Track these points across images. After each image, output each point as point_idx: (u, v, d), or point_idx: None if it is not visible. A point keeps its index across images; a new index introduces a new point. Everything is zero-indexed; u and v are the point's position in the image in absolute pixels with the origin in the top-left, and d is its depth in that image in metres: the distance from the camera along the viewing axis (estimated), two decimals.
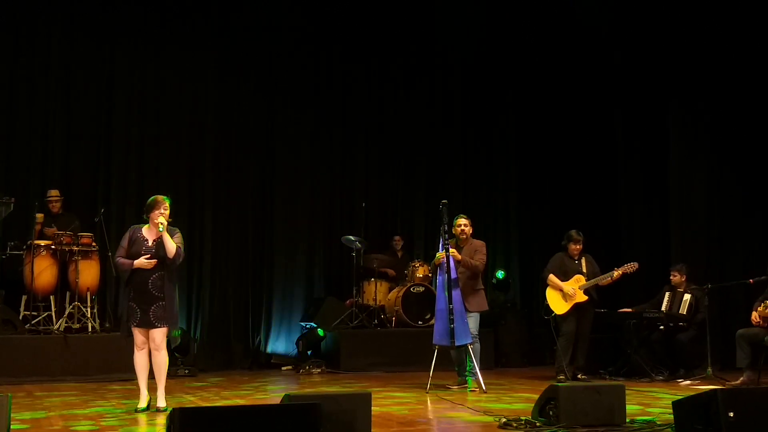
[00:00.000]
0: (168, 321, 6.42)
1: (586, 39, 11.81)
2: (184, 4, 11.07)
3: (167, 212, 6.44)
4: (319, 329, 10.62)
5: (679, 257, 10.17)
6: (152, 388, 6.52)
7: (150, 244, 6.43)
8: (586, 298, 8.78)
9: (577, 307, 8.78)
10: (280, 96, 11.49)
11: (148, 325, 6.38)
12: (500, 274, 11.86)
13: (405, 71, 12.08)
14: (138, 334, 6.42)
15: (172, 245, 6.36)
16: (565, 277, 8.86)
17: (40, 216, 9.43)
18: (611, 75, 11.71)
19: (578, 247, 8.96)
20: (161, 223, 6.33)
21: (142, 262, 6.35)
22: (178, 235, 6.52)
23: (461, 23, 12.11)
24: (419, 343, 9.46)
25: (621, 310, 9.55)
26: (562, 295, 8.81)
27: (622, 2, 11.35)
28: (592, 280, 8.84)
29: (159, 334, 6.40)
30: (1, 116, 10.31)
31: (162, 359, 6.46)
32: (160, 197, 6.50)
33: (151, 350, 6.43)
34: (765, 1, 10.06)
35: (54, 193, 9.73)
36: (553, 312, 8.85)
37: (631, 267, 8.85)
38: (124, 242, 6.50)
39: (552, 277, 8.87)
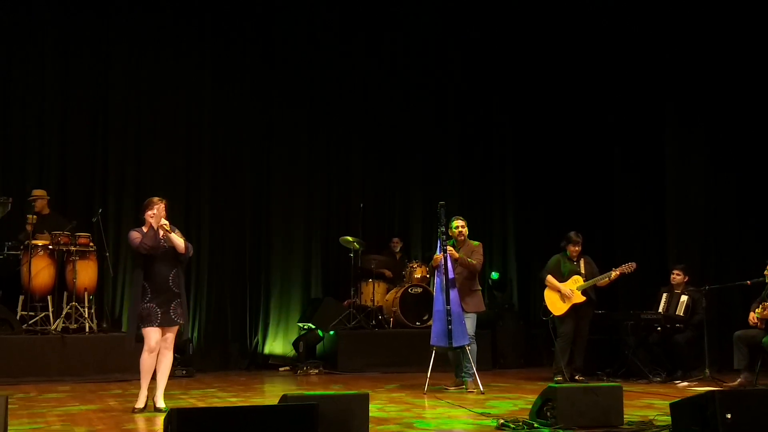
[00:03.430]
0: (185, 316, 6.55)
1: (583, 41, 11.80)
2: (179, 7, 11.05)
3: (164, 213, 6.49)
4: (319, 330, 10.61)
5: (675, 259, 10.16)
6: (150, 388, 6.51)
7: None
8: (584, 299, 8.77)
9: (575, 308, 8.78)
10: (276, 97, 11.48)
11: (170, 323, 6.42)
12: (494, 275, 11.86)
13: (402, 72, 12.06)
14: (154, 335, 6.37)
15: (180, 241, 6.43)
16: (563, 278, 8.85)
17: (31, 217, 9.34)
18: (607, 77, 11.69)
19: (577, 248, 8.95)
20: (164, 225, 6.36)
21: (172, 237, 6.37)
22: (177, 231, 6.56)
23: (457, 23, 12.11)
24: (417, 344, 9.46)
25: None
26: (560, 296, 8.80)
27: (617, 4, 11.35)
28: (590, 281, 8.82)
29: (173, 334, 6.48)
30: None
31: (170, 360, 6.53)
32: (155, 198, 6.58)
33: (161, 350, 6.44)
34: (761, 3, 10.07)
35: (37, 192, 9.61)
36: (551, 313, 8.85)
37: (628, 267, 8.82)
38: (139, 233, 6.45)
39: (550, 278, 8.87)
